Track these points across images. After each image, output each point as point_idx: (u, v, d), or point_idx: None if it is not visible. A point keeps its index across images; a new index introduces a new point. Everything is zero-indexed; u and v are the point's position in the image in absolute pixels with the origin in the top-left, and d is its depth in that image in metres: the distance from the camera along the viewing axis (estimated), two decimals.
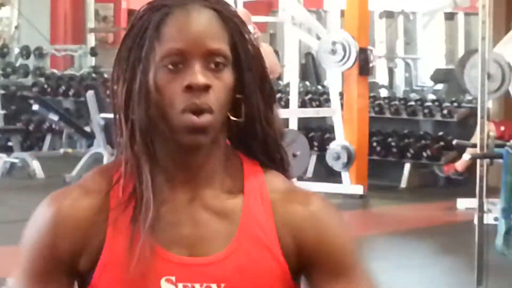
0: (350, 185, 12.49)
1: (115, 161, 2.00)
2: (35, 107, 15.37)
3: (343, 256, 2.01)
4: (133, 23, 1.96)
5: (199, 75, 1.89)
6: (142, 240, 1.91)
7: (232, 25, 1.95)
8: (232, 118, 1.94)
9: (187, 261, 1.95)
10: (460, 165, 11.78)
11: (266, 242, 1.96)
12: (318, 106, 13.56)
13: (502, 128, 11.18)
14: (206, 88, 1.89)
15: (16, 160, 13.43)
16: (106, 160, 12.62)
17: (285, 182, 2.01)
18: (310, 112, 13.21)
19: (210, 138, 1.92)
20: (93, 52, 19.88)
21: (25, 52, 18.41)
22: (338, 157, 12.49)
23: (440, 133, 13.46)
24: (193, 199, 1.97)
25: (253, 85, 1.96)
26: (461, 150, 10.99)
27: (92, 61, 19.58)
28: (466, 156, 9.25)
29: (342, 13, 14.11)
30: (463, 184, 11.71)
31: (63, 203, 1.97)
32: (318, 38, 12.69)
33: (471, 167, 11.05)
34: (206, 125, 1.90)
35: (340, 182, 12.46)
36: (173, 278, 1.94)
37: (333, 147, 12.62)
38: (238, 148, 2.01)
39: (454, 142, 11.15)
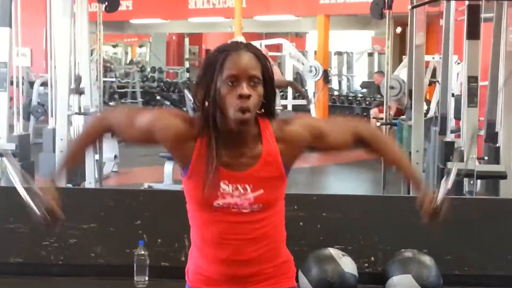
0: None
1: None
2: (158, 97, 15.36)
3: (321, 125, 2.05)
4: (208, 57, 1.95)
5: (245, 89, 1.88)
6: (213, 163, 1.92)
7: (262, 61, 1.93)
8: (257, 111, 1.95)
9: (234, 174, 1.95)
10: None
11: (273, 163, 1.97)
12: (302, 98, 13.49)
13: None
14: (249, 96, 1.88)
15: None
16: None
17: (278, 122, 2.00)
18: (297, 102, 13.16)
19: (249, 125, 1.92)
20: (187, 70, 19.82)
21: (153, 70, 18.37)
22: None
23: (364, 113, 13.38)
24: (237, 152, 1.96)
25: (270, 92, 1.96)
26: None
27: (187, 75, 19.52)
28: (377, 124, 9.19)
29: (315, 52, 13.99)
30: None
31: (181, 122, 1.97)
32: (303, 64, 12.60)
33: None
34: (248, 119, 1.90)
35: None
36: (227, 181, 1.95)
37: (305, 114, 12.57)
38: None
39: (372, 117, 11.10)
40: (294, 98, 13.10)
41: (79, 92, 6.49)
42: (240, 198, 1.95)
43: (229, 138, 1.94)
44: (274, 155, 1.96)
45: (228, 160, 1.95)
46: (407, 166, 2.16)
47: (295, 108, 12.76)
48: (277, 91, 10.99)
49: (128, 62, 21.70)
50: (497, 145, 5.53)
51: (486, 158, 5.66)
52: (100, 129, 2.12)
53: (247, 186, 1.95)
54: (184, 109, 14.41)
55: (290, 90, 12.85)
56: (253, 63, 1.91)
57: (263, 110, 1.96)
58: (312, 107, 12.50)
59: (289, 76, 13.06)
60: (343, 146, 2.06)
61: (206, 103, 1.92)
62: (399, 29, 15.36)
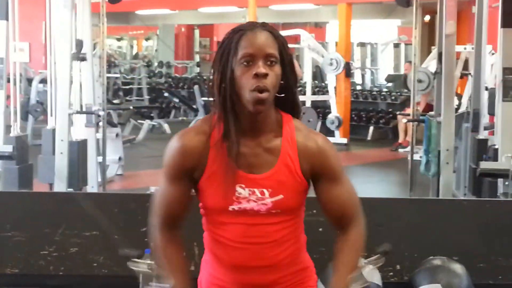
0: (339, 138, 12.42)
1: (211, 116, 1.99)
2: (166, 94, 15.40)
3: (336, 169, 2.02)
4: (223, 40, 1.96)
5: (261, 68, 1.89)
6: (230, 164, 1.94)
7: (279, 40, 1.94)
8: (277, 95, 1.95)
9: (251, 176, 1.96)
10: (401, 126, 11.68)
11: (292, 168, 1.98)
12: (322, 94, 13.45)
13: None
14: (265, 75, 1.90)
15: (155, 123, 13.48)
16: None
17: (305, 128, 2.00)
18: (317, 98, 13.13)
19: (267, 107, 1.92)
20: (198, 64, 19.86)
21: (161, 64, 18.41)
22: (333, 122, 12.41)
23: (390, 109, 13.34)
24: (255, 142, 1.96)
25: (290, 74, 1.96)
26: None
27: (197, 69, 19.56)
28: (404, 121, 9.16)
29: (336, 43, 13.96)
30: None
31: (185, 138, 1.98)
32: (322, 56, 12.58)
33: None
34: (265, 99, 1.90)
35: (334, 136, 12.39)
36: (243, 185, 1.96)
37: (330, 117, 12.53)
38: (277, 107, 1.99)
39: (397, 113, 11.07)
40: (314, 93, 13.08)
41: (80, 58, 6.48)
42: (257, 203, 1.96)
43: (246, 125, 1.95)
44: (293, 159, 1.97)
45: (245, 153, 1.95)
46: (340, 277, 2.03)
47: (315, 104, 12.75)
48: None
49: (133, 56, 21.81)
50: None
51: None
52: (168, 237, 2.06)
53: (265, 191, 1.96)
54: (194, 106, 14.49)
55: (309, 80, 12.85)
56: (269, 41, 1.92)
57: (282, 96, 1.96)
58: (333, 103, 12.50)
59: (308, 70, 13.06)
60: (327, 213, 2.05)
61: (223, 87, 1.93)
62: (427, 18, 15.33)
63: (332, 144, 2.07)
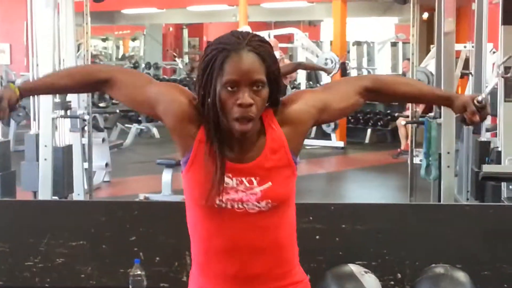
0: (336, 141, 12.43)
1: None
2: None
3: (320, 97, 2.07)
4: (206, 53, 1.96)
5: (246, 97, 1.90)
6: (216, 154, 1.95)
7: (267, 61, 1.94)
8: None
9: (238, 166, 1.97)
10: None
11: (279, 149, 1.99)
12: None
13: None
14: (251, 105, 1.90)
15: (143, 127, 13.45)
16: None
17: (280, 107, 2.03)
18: None
19: (252, 131, 1.96)
20: (187, 66, 19.87)
21: (148, 65, 18.43)
22: (328, 125, 12.41)
23: (388, 111, 13.35)
24: (241, 145, 1.98)
25: (277, 89, 1.98)
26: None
27: (183, 71, 19.58)
28: (402, 123, 9.15)
29: (331, 42, 13.99)
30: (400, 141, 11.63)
31: (189, 101, 2.01)
32: (317, 56, 12.60)
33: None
34: (250, 130, 1.93)
35: (330, 139, 12.40)
36: (230, 175, 1.97)
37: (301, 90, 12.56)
38: None
39: (396, 115, 11.07)
40: (311, 87, 13.09)
41: (65, 108, 6.45)
42: (245, 193, 1.97)
43: (232, 137, 1.96)
44: (280, 141, 1.99)
45: (231, 154, 1.97)
46: (428, 89, 2.19)
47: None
48: (289, 85, 11.00)
49: (119, 57, 21.78)
50: None
51: None
52: (98, 77, 2.09)
53: (253, 179, 1.97)
54: None
55: (303, 80, 12.84)
56: (256, 66, 1.91)
57: (267, 104, 1.98)
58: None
59: (302, 71, 13.06)
60: (350, 107, 2.11)
61: (207, 104, 1.94)
62: (425, 15, 15.38)
63: (301, 90, 2.18)
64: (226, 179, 1.96)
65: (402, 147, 11.36)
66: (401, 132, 11.42)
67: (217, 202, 1.96)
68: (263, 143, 1.98)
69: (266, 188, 1.97)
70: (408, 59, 12.35)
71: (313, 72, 15.35)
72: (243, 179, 1.97)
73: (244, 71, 1.89)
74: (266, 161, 1.97)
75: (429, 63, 9.56)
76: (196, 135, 1.98)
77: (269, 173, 1.97)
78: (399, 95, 2.14)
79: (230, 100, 1.90)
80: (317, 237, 3.96)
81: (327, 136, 12.44)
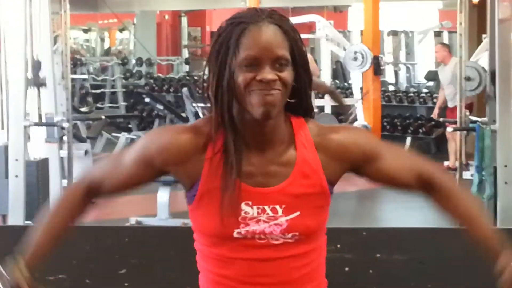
0: None
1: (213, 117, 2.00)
2: (147, 100, 15.42)
3: (372, 149, 2.06)
4: (220, 31, 1.96)
5: (268, 73, 1.91)
6: (232, 179, 1.94)
7: (291, 35, 1.95)
8: (288, 100, 1.97)
9: (260, 190, 1.97)
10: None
11: (312, 176, 1.99)
12: (345, 97, 13.48)
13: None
14: (274, 81, 1.91)
15: (134, 137, 13.45)
16: None
17: (319, 126, 2.04)
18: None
19: (276, 119, 1.95)
20: (187, 61, 19.96)
21: (139, 62, 18.48)
22: None
23: (431, 116, 13.34)
24: (263, 157, 1.98)
25: (303, 76, 1.98)
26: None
27: (186, 68, 19.62)
28: (449, 129, 9.09)
29: (361, 32, 13.99)
30: (448, 151, 11.57)
31: (181, 136, 2.00)
32: (344, 49, 12.61)
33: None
34: (273, 112, 1.93)
35: None
36: (250, 202, 1.96)
37: (356, 125, 12.55)
38: (287, 111, 2.02)
39: (441, 119, 11.02)
40: (337, 87, 13.11)
41: (39, 83, 6.51)
42: (268, 223, 1.97)
43: (251, 139, 1.97)
44: (313, 165, 1.99)
45: (250, 170, 1.97)
46: (483, 226, 2.16)
47: (335, 110, 12.78)
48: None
49: (105, 52, 21.84)
50: None
51: None
52: (79, 194, 2.16)
53: (277, 207, 1.97)
54: (183, 114, 14.49)
55: (328, 78, 12.84)
56: (278, 39, 1.92)
57: (294, 101, 1.99)
58: (359, 109, 12.50)
59: (326, 67, 13.08)
60: (400, 182, 2.10)
61: (220, 92, 1.95)
62: None
63: (358, 128, 2.11)
64: (245, 207, 1.96)
65: (451, 164, 11.17)
66: (451, 146, 11.18)
67: (234, 235, 1.97)
68: (292, 161, 1.98)
69: (293, 217, 1.97)
70: (444, 45, 12.45)
71: (339, 68, 15.38)
72: (266, 207, 1.97)
73: (265, 44, 1.91)
74: (295, 185, 1.98)
75: (481, 57, 9.51)
76: (203, 162, 1.98)
77: (298, 200, 1.98)
78: (453, 211, 2.16)
79: (249, 81, 1.91)
80: (346, 268, 3.97)
81: None
